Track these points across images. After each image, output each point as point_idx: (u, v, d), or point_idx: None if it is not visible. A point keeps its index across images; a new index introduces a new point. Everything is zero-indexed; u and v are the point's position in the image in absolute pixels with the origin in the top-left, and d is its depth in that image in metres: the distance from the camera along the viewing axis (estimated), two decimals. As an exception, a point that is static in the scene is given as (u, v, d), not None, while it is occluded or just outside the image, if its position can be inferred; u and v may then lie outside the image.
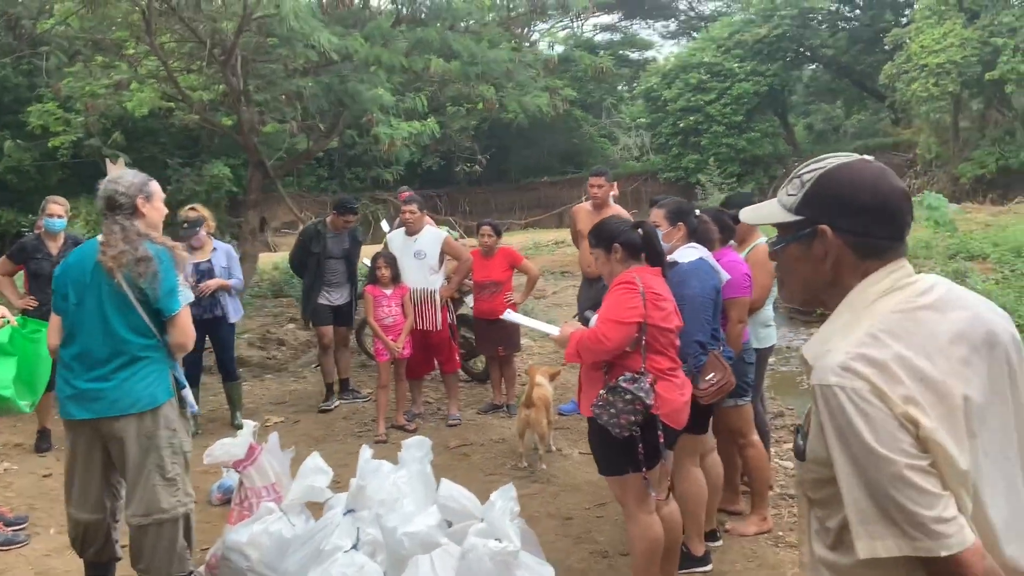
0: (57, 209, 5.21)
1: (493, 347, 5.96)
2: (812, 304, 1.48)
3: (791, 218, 1.41)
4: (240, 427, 5.91)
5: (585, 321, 3.35)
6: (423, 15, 12.07)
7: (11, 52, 11.22)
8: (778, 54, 25.18)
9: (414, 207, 5.69)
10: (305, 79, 10.54)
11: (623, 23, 33.67)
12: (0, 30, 10.82)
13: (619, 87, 32.91)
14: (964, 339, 1.30)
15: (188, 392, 3.12)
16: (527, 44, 13.32)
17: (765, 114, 26.59)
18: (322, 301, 6.35)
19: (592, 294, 5.59)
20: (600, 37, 33.77)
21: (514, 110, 12.83)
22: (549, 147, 30.93)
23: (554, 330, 3.48)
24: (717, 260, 3.73)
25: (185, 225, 5.69)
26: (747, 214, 1.57)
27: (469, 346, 6.74)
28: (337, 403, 6.44)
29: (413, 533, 2.66)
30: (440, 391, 6.49)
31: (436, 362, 5.98)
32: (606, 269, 3.26)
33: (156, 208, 3.07)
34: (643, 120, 29.68)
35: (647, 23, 34.15)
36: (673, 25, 34.47)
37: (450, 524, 3.14)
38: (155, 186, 3.11)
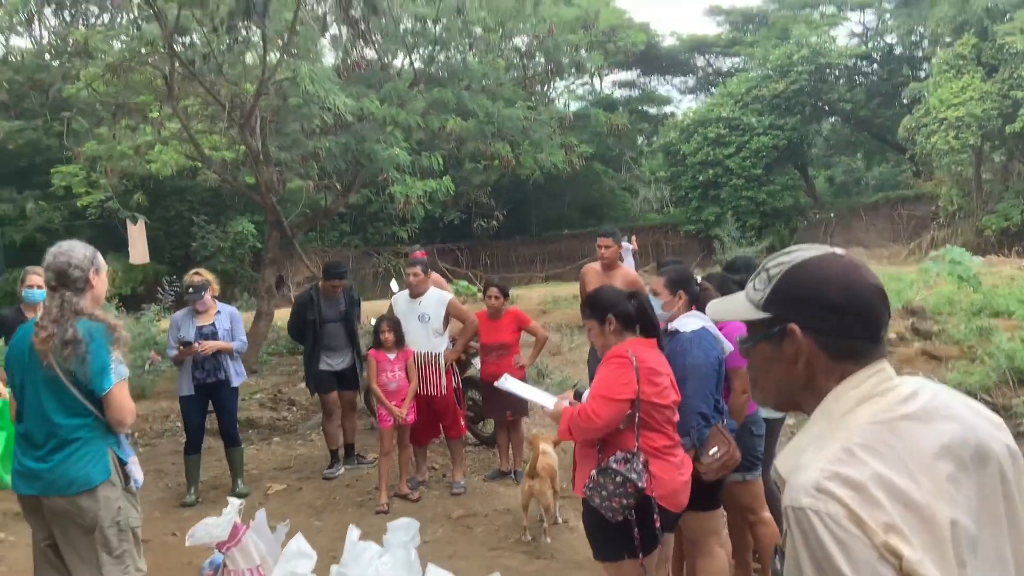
0: (36, 280, 5.03)
1: (501, 411, 5.82)
2: (787, 408, 1.36)
3: (759, 315, 1.31)
4: (242, 495, 5.84)
5: (579, 395, 3.23)
6: (442, 76, 12.28)
7: (38, 116, 11.51)
8: (796, 108, 25.23)
9: (418, 269, 5.63)
10: (323, 139, 10.68)
11: (642, 79, 34.08)
12: (30, 94, 11.16)
13: (638, 141, 33.17)
14: (951, 454, 1.15)
15: (133, 467, 3.04)
16: (545, 102, 13.44)
17: (785, 167, 26.56)
18: (323, 367, 6.27)
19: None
20: (619, 93, 34.20)
21: (530, 167, 12.88)
22: (570, 200, 31.10)
23: (549, 403, 3.36)
24: (720, 329, 3.61)
25: (191, 290, 5.68)
26: (714, 308, 1.47)
27: (477, 409, 6.60)
28: (342, 471, 6.28)
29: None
30: (447, 456, 6.34)
31: (441, 427, 5.85)
32: (599, 341, 3.16)
33: (103, 280, 3.04)
34: (662, 173, 29.79)
35: (665, 79, 34.54)
36: (691, 81, 34.81)
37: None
38: (101, 259, 3.07)
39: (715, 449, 3.28)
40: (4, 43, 21.73)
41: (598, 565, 4.34)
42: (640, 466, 2.87)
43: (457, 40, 12.26)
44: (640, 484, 2.82)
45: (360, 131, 10.81)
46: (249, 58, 11.06)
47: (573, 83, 31.33)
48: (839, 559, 1.05)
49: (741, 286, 4.11)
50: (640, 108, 33.15)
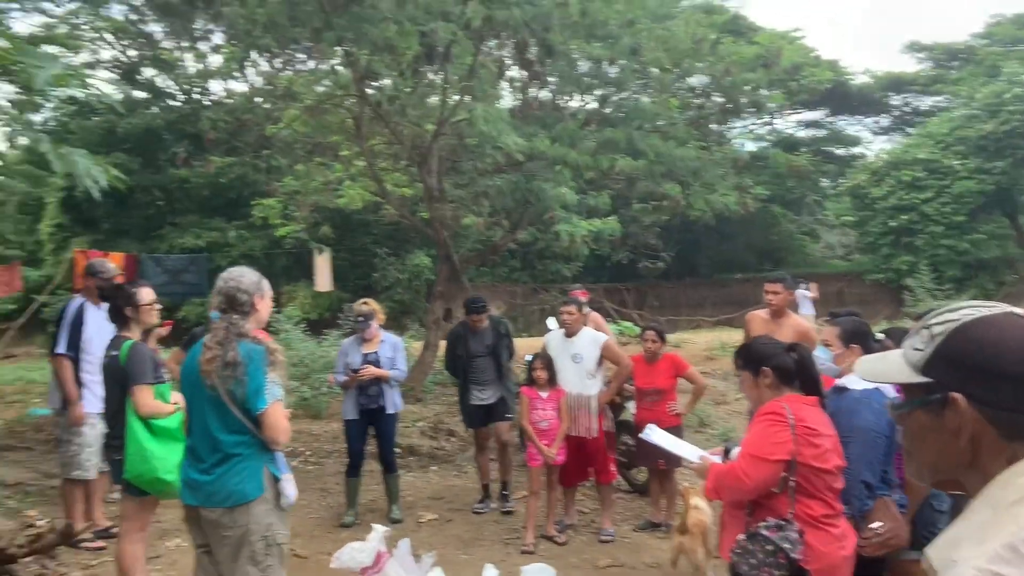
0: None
1: (654, 459, 5.59)
2: (946, 487, 1.19)
3: (917, 379, 1.15)
4: (396, 520, 6.01)
5: (728, 452, 3.03)
6: (614, 116, 12.32)
7: (245, 153, 12.69)
8: (1007, 151, 22.96)
9: (572, 308, 5.59)
10: (494, 178, 11.00)
11: (829, 119, 32.47)
12: (240, 133, 12.33)
13: (822, 183, 31.54)
14: None
15: (286, 484, 3.16)
16: (719, 142, 13.10)
17: (991, 214, 24.22)
18: (474, 402, 6.34)
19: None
20: (804, 133, 32.75)
21: (701, 208, 12.55)
22: (745, 243, 30.05)
23: (696, 457, 3.18)
24: (898, 392, 3.27)
25: (359, 318, 5.97)
26: (865, 367, 1.30)
27: (630, 455, 6.41)
28: (493, 506, 6.31)
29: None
30: (597, 500, 6.19)
31: (591, 471, 5.72)
32: (753, 394, 2.96)
33: (267, 305, 3.24)
34: (849, 218, 28.07)
35: (855, 119, 32.66)
36: (884, 121, 32.70)
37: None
38: (267, 284, 3.27)
39: (878, 524, 2.95)
40: (224, 86, 24.31)
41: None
42: (795, 535, 2.63)
43: (631, 80, 12.26)
44: (794, 555, 2.58)
45: (530, 170, 11.04)
46: (431, 100, 11.64)
47: (753, 123, 30.53)
48: None
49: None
50: (826, 149, 31.55)
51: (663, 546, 5.37)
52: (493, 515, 6.20)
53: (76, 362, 5.09)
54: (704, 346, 15.40)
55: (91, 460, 5.09)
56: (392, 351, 5.97)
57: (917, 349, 1.17)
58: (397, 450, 8.36)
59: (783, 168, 13.53)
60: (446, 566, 4.88)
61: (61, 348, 5.09)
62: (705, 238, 29.00)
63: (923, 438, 1.17)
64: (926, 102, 30.96)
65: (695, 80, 12.94)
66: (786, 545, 2.58)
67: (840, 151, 32.18)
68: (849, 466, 2.84)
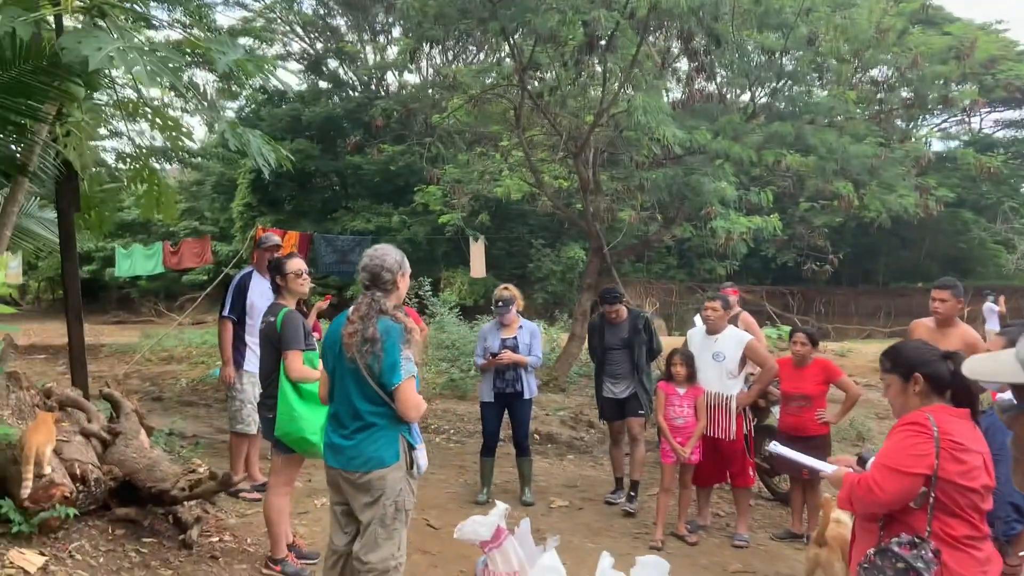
0: None
1: (797, 468, 5.32)
2: None
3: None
4: (527, 503, 6.09)
5: (863, 462, 2.83)
6: (783, 109, 11.76)
7: (407, 140, 13.25)
8: None
9: (717, 304, 5.40)
10: (651, 171, 10.82)
11: (1032, 118, 29.30)
12: (411, 122, 12.92)
13: (1022, 189, 28.52)
14: None
15: (419, 453, 3.28)
16: (900, 139, 12.16)
17: None
18: (606, 394, 6.28)
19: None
20: (1002, 133, 29.77)
21: (876, 209, 11.73)
22: (928, 250, 27.81)
23: (829, 468, 2.99)
24: None
25: (499, 303, 6.09)
26: (973, 366, 1.19)
27: (772, 462, 6.13)
28: (623, 500, 6.22)
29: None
30: (734, 505, 5.97)
31: (728, 473, 5.52)
32: (899, 401, 2.73)
33: (406, 282, 3.35)
34: (1050, 227, 25.29)
35: (1063, 118, 29.26)
36: (1095, 122, 29.07)
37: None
38: (407, 263, 3.37)
39: None
40: (397, 77, 25.47)
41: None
42: (930, 554, 2.42)
43: (805, 72, 11.64)
44: (926, 575, 2.38)
45: (689, 164, 10.76)
46: (592, 92, 11.62)
47: (945, 121, 28.10)
48: None
49: None
50: (1028, 151, 28.50)
51: (799, 557, 5.09)
52: (624, 508, 6.13)
53: (240, 326, 5.56)
54: (872, 357, 14.39)
55: (251, 416, 5.52)
56: (529, 337, 6.04)
57: None
58: (535, 436, 8.50)
59: (974, 170, 12.34)
60: (572, 552, 4.91)
61: (225, 310, 5.59)
62: (883, 243, 27.08)
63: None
64: None
65: (877, 72, 12.08)
66: (919, 564, 2.38)
67: (1044, 153, 28.92)
68: (999, 486, 2.57)
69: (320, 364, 4.05)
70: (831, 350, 17.80)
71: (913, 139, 12.02)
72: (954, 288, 4.94)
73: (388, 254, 3.31)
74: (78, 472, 4.14)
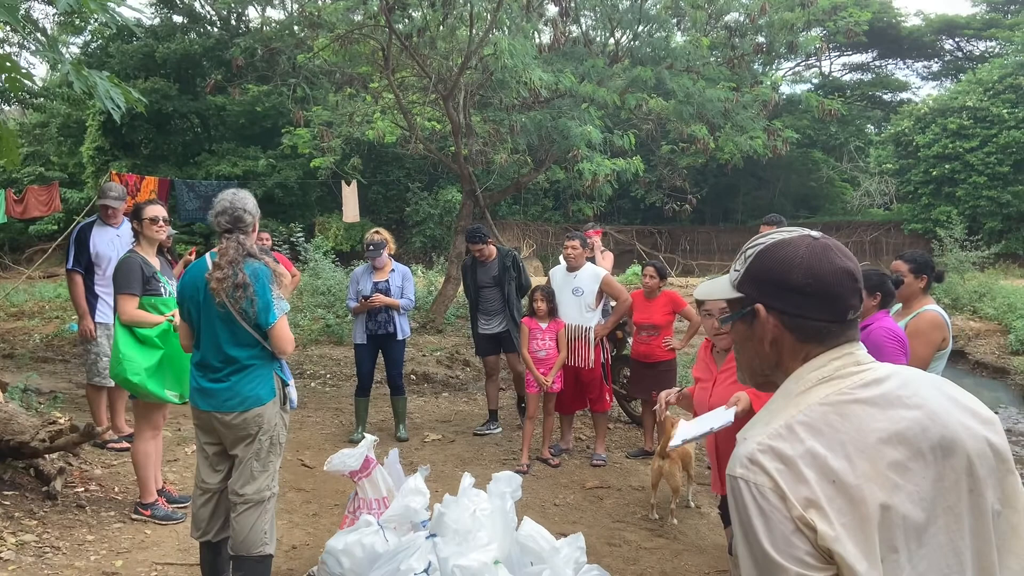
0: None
1: (647, 391, 5.79)
2: (766, 388, 1.35)
3: (733, 295, 1.33)
4: (402, 439, 6.32)
5: None
6: (643, 54, 12.15)
7: (270, 81, 12.78)
8: (1061, 100, 22.16)
9: (576, 243, 5.73)
10: (519, 115, 11.00)
11: (877, 63, 31.42)
12: (278, 61, 12.42)
13: (867, 129, 30.70)
14: (904, 442, 1.15)
15: (292, 389, 3.44)
16: (751, 84, 12.85)
17: (1038, 166, 23.51)
18: (481, 331, 6.59)
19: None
20: (850, 77, 31.78)
21: (730, 151, 12.43)
22: (782, 188, 29.60)
23: (729, 414, 2.77)
24: (865, 325, 3.41)
25: (370, 247, 6.17)
26: (702, 289, 1.48)
27: (628, 387, 6.61)
28: (497, 430, 6.62)
29: (465, 567, 2.68)
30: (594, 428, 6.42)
31: (587, 400, 5.93)
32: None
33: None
34: (890, 166, 27.41)
35: (905, 63, 31.54)
36: (935, 66, 31.51)
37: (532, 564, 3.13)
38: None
39: None
40: (259, 12, 24.28)
41: (720, 552, 4.29)
42: None
43: (665, 18, 12.06)
44: None
45: (557, 107, 11.01)
46: (461, 34, 11.59)
47: (796, 65, 29.70)
48: (759, 527, 1.11)
49: (897, 284, 3.87)
50: (872, 93, 30.62)
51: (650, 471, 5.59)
52: (493, 438, 6.47)
53: (89, 277, 5.38)
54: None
55: (108, 368, 5.42)
56: (402, 280, 6.18)
57: (736, 270, 1.35)
58: (412, 376, 8.71)
59: (816, 112, 13.21)
60: (443, 481, 5.19)
61: (69, 263, 5.41)
62: (741, 183, 28.61)
63: (741, 347, 1.36)
64: (979, 47, 29.78)
65: (730, 19, 12.66)
66: None
67: (887, 96, 31.21)
68: None
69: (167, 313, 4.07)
70: (693, 284, 18.87)
71: (765, 83, 12.70)
72: (779, 223, 5.44)
73: (248, 198, 3.36)
74: (-73, 430, 4.01)
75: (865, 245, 26.66)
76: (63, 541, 3.96)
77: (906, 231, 25.19)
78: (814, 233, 1.29)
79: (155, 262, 4.30)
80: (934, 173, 23.50)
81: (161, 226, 4.30)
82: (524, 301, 6.45)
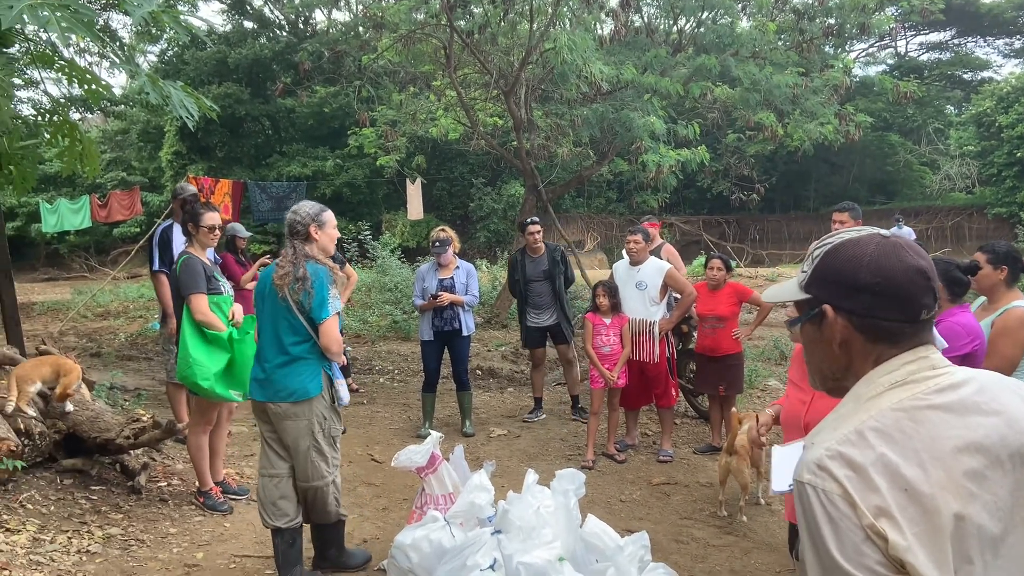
0: None
1: (714, 386, 5.72)
2: (837, 393, 1.32)
3: (801, 296, 1.30)
4: (468, 434, 6.39)
5: None
6: (707, 42, 11.93)
7: (334, 83, 13.02)
8: None
9: (639, 237, 5.69)
10: (581, 108, 10.96)
11: (955, 40, 30.08)
12: (328, 64, 12.70)
13: (946, 111, 29.44)
14: (981, 450, 1.11)
15: (341, 386, 3.64)
16: (821, 67, 12.48)
17: None
18: (530, 324, 6.75)
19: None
20: (927, 56, 30.52)
21: (800, 138, 12.10)
22: (856, 174, 28.66)
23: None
24: (939, 321, 3.28)
25: (436, 244, 6.26)
26: (769, 291, 1.45)
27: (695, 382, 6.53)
28: (542, 416, 6.85)
29: (528, 564, 2.70)
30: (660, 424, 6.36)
31: (653, 395, 5.88)
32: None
33: (326, 235, 3.61)
34: (971, 148, 26.24)
35: (985, 41, 30.11)
36: (1018, 43, 29.97)
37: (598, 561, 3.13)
38: (328, 215, 3.65)
39: None
40: (325, 15, 24.77)
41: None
42: None
43: (729, 3, 11.81)
44: None
45: (620, 99, 10.92)
46: (521, 29, 11.59)
47: (870, 47, 28.68)
48: (827, 534, 1.09)
49: (970, 272, 3.71)
50: (951, 73, 29.35)
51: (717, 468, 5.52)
52: (559, 432, 6.49)
53: (172, 278, 5.60)
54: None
55: (178, 368, 5.63)
56: (466, 277, 6.25)
57: (804, 271, 1.32)
58: (477, 372, 8.80)
59: (891, 95, 12.74)
60: (509, 476, 5.23)
61: (155, 265, 5.62)
62: (813, 169, 27.82)
63: (811, 350, 1.33)
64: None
65: (799, 1, 12.31)
66: None
67: (967, 75, 29.87)
68: None
69: (236, 309, 4.29)
70: (763, 275, 18.48)
71: (835, 67, 12.29)
72: (852, 210, 5.26)
73: (302, 207, 3.63)
74: (22, 426, 4.26)
75: (946, 231, 25.65)
76: (147, 534, 4.15)
77: (990, 215, 24.15)
78: (884, 232, 1.25)
79: (208, 262, 4.47)
80: (1018, 154, 22.43)
81: (217, 235, 4.47)
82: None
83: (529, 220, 6.80)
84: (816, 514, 1.10)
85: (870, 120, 12.97)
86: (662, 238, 7.16)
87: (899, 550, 1.04)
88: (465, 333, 6.26)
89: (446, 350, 6.42)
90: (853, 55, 26.74)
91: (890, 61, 30.25)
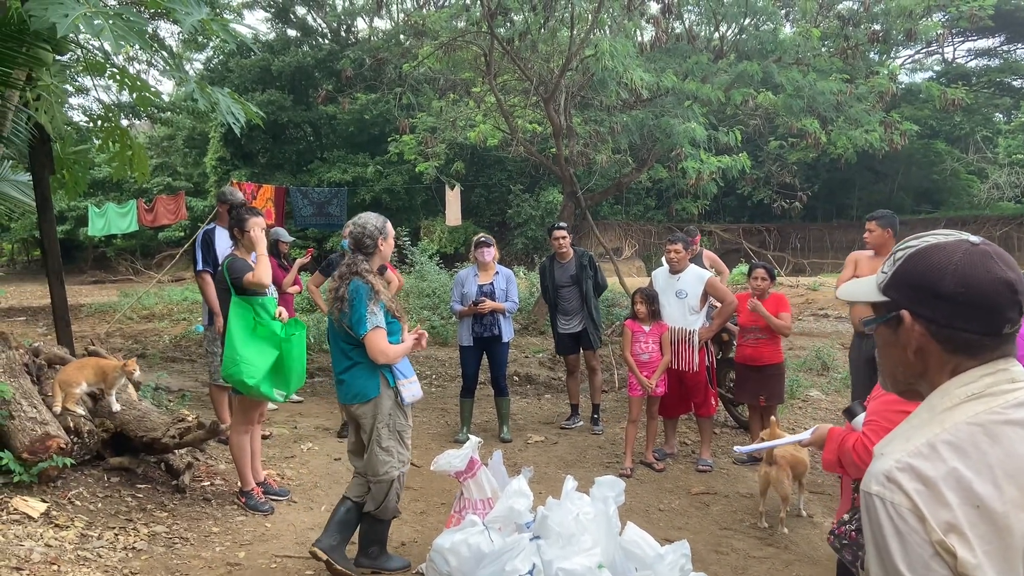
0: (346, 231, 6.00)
1: (754, 395, 5.64)
2: (909, 395, 1.29)
3: (879, 298, 1.27)
4: (505, 440, 6.39)
5: (852, 415, 2.56)
6: (749, 48, 11.82)
7: (378, 90, 13.16)
8: None
9: (679, 247, 5.64)
10: (621, 115, 10.93)
11: (1004, 47, 29.38)
12: (384, 70, 12.84)
13: (995, 118, 28.75)
14: None
15: (402, 387, 3.74)
16: (866, 74, 12.28)
17: None
18: (561, 331, 6.74)
19: (865, 350, 5.06)
20: (975, 63, 29.85)
21: (843, 145, 11.92)
22: (901, 182, 28.10)
23: (804, 435, 2.77)
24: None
25: (482, 240, 6.36)
26: (845, 289, 1.42)
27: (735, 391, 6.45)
28: (580, 423, 6.83)
29: (568, 570, 2.69)
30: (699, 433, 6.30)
31: (692, 404, 5.82)
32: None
33: (389, 244, 3.78)
34: (1021, 156, 25.59)
35: (1035, 46, 29.36)
36: (1070, 48, 29.19)
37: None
38: (390, 226, 3.82)
39: None
40: (367, 23, 25.07)
41: (834, 565, 4.12)
42: None
43: (772, 10, 11.69)
44: None
45: (660, 105, 10.87)
46: (562, 36, 11.61)
47: (916, 53, 28.13)
48: (894, 548, 1.07)
49: None
50: (1000, 80, 28.64)
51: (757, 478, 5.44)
52: (596, 440, 6.45)
53: (215, 278, 5.69)
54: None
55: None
56: (506, 283, 6.27)
57: (883, 272, 1.28)
58: (515, 378, 8.80)
59: (938, 103, 12.48)
60: (546, 482, 5.22)
61: (199, 265, 5.71)
62: (857, 177, 27.34)
63: (885, 351, 1.29)
64: (1125, 24, 27.35)
65: (843, 7, 12.15)
66: None
67: (1016, 83, 29.12)
68: None
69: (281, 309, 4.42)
70: (804, 284, 18.21)
71: (880, 73, 12.09)
72: (881, 219, 5.17)
73: (369, 221, 3.75)
74: (71, 424, 4.36)
75: (995, 240, 24.90)
76: (191, 532, 4.21)
77: (1040, 226, 23.47)
78: (973, 238, 1.20)
79: (252, 264, 4.56)
80: (1072, 163, 21.81)
81: (259, 237, 4.55)
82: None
83: (555, 225, 6.77)
84: (884, 527, 1.08)
85: (916, 128, 12.69)
86: (701, 246, 7.13)
87: (968, 568, 1.02)
88: (505, 339, 6.27)
89: (484, 356, 6.44)
90: (899, 61, 26.32)
91: (937, 68, 29.64)
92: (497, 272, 6.31)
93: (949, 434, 1.10)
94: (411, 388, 3.81)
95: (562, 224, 6.78)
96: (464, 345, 6.39)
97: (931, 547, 1.04)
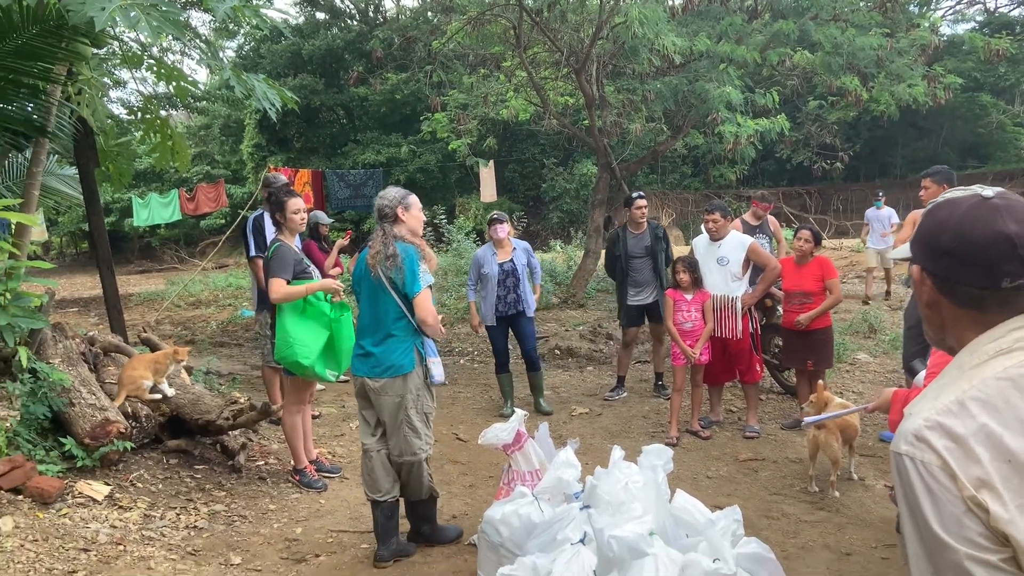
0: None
1: (801, 360, 5.57)
2: (941, 346, 1.30)
3: (907, 255, 1.28)
4: (546, 412, 6.42)
5: (913, 373, 2.68)
6: (784, 5, 11.54)
7: (408, 69, 13.14)
8: None
9: (717, 215, 5.55)
10: (654, 82, 10.78)
11: (1053, -9, 28.25)
12: (414, 49, 12.83)
13: (1044, 67, 27.67)
14: None
15: (432, 365, 3.76)
16: (906, 27, 11.92)
17: None
18: (630, 302, 6.63)
19: (917, 309, 4.98)
20: (1020, 11, 28.74)
21: (886, 102, 11.61)
22: (946, 138, 27.33)
23: (870, 404, 2.81)
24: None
25: (495, 216, 6.38)
26: (895, 251, 1.43)
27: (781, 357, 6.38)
28: (624, 395, 6.82)
29: (620, 538, 2.70)
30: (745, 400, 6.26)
31: (737, 371, 5.78)
32: None
33: (413, 216, 3.77)
34: (1073, 105, 24.66)
35: (1088, -12, 28.14)
36: (1125, -11, 27.93)
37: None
38: (413, 199, 3.80)
39: None
40: (395, 2, 25.00)
41: (888, 526, 4.10)
42: None
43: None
44: None
45: (694, 70, 10.69)
46: (591, 4, 11.45)
47: (958, 3, 27.19)
48: (926, 506, 1.06)
49: None
50: (1049, 26, 27.57)
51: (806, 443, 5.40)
52: (640, 410, 6.46)
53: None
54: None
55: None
56: (526, 256, 6.30)
57: None
58: (556, 351, 8.81)
59: (982, 53, 12.08)
60: (592, 453, 5.25)
61: (252, 251, 5.80)
62: (899, 134, 26.66)
63: (918, 306, 1.31)
64: None
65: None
66: None
67: (1066, 29, 27.99)
68: None
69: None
70: (847, 247, 17.87)
71: (921, 26, 11.72)
72: (936, 175, 5.05)
73: (389, 192, 3.82)
74: (129, 410, 4.49)
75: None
76: (249, 511, 4.33)
77: (1093, 178, 22.66)
78: (988, 192, 1.19)
79: (296, 250, 4.60)
80: None
81: (304, 218, 4.60)
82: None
83: (636, 195, 6.60)
84: (915, 486, 1.08)
85: (960, 81, 12.29)
86: (735, 216, 7.03)
87: (1001, 522, 1.01)
88: (529, 314, 6.30)
89: (510, 333, 6.49)
90: (940, 13, 25.43)
91: (979, 18, 28.60)
92: (515, 248, 6.31)
93: (978, 390, 1.09)
94: (438, 368, 3.84)
95: (642, 193, 6.66)
96: (489, 324, 6.43)
97: (963, 504, 1.03)
